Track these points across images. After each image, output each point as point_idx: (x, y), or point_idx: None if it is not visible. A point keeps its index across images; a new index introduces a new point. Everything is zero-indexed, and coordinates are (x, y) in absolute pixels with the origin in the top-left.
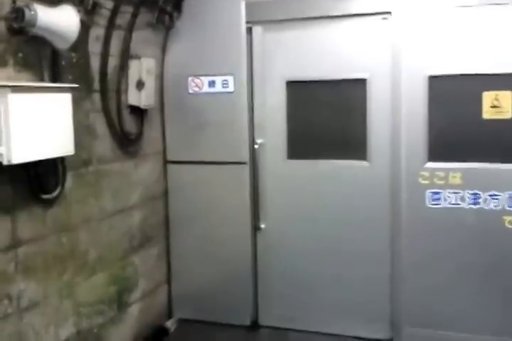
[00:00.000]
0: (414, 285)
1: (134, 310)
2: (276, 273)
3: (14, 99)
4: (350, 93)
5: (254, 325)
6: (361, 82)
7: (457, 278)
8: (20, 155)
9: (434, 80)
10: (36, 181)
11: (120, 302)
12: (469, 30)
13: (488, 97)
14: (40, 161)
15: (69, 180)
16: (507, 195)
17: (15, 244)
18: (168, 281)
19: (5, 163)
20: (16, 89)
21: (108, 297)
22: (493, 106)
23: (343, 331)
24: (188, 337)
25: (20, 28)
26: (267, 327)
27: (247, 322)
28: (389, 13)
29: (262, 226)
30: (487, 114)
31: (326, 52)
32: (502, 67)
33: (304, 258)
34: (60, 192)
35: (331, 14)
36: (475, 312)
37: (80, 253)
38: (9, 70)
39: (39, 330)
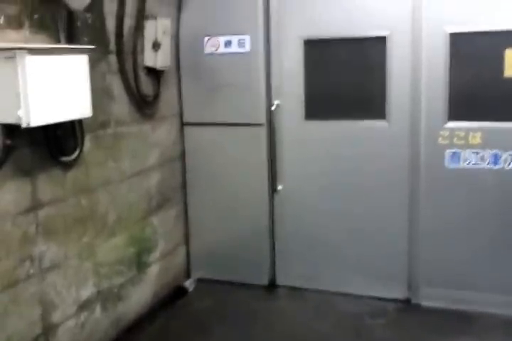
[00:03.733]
0: (432, 245)
1: (153, 271)
2: (294, 234)
3: (31, 61)
4: (370, 51)
5: (272, 285)
6: (381, 40)
7: (475, 239)
8: (38, 117)
9: (455, 37)
10: (55, 144)
11: (139, 263)
12: None
13: (510, 55)
14: (58, 124)
15: (87, 143)
16: None
17: (35, 206)
18: (187, 242)
19: (24, 125)
20: (32, 51)
21: (128, 257)
22: None
23: (361, 291)
24: (206, 297)
25: None
26: (285, 286)
27: (265, 281)
28: None
29: (279, 187)
30: (509, 72)
31: (344, 10)
32: None
33: (321, 219)
34: (79, 155)
35: None
36: (491, 272)
37: (100, 215)
38: (25, 32)
39: (61, 290)
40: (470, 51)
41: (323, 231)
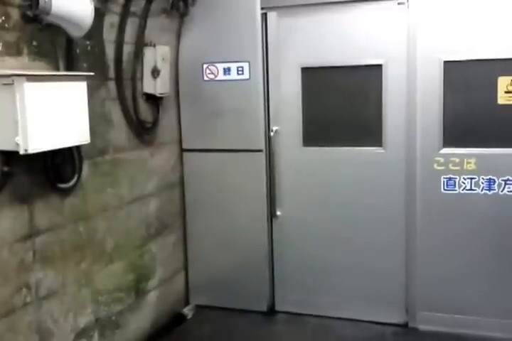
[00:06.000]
0: (429, 270)
1: (151, 298)
2: (293, 259)
3: (30, 88)
4: (366, 79)
5: (271, 311)
6: (377, 68)
7: (471, 263)
8: (36, 144)
9: (449, 65)
10: (53, 170)
11: (138, 290)
12: (484, 14)
13: (503, 82)
14: (56, 150)
15: (85, 169)
16: None
17: (32, 233)
18: (185, 268)
19: (21, 152)
20: (31, 78)
21: (126, 284)
22: (508, 92)
23: (359, 316)
24: (205, 324)
25: (35, 15)
26: (284, 312)
27: (264, 308)
28: None
29: (278, 213)
30: (502, 99)
31: (341, 38)
32: None
33: (319, 245)
34: (77, 181)
35: None
36: (488, 296)
37: (98, 242)
38: (24, 59)
39: (58, 318)
40: (464, 79)
41: (321, 256)
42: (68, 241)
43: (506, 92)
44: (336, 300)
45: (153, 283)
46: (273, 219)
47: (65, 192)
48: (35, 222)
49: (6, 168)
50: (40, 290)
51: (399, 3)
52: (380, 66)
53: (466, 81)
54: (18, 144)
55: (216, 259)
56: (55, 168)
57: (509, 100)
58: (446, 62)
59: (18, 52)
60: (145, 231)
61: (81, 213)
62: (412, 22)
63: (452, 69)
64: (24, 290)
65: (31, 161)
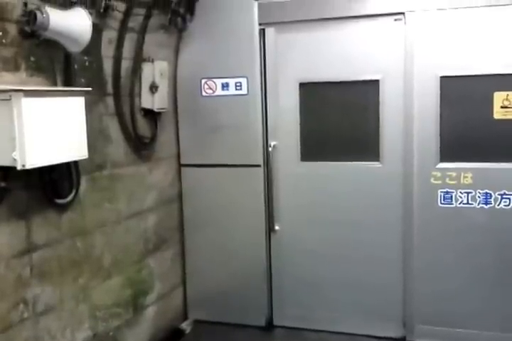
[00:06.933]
0: (426, 284)
1: (149, 313)
2: (291, 274)
3: (27, 103)
4: (363, 94)
5: (269, 326)
6: (374, 83)
7: (468, 277)
8: (33, 159)
9: (445, 81)
10: (50, 186)
11: (136, 305)
12: (480, 30)
13: (499, 97)
14: (54, 165)
15: (83, 185)
16: None
17: (30, 248)
18: (184, 283)
19: (19, 167)
20: (28, 93)
21: (124, 300)
22: (504, 107)
23: (357, 330)
24: (204, 338)
25: (32, 31)
26: (282, 327)
27: (262, 322)
28: (402, 14)
29: (277, 228)
30: (498, 114)
31: (338, 54)
32: None
33: (317, 259)
34: (75, 197)
35: (343, 15)
36: (486, 309)
37: (95, 257)
38: (21, 74)
39: (55, 334)
40: (460, 94)
41: (319, 271)
42: (66, 257)
43: (502, 107)
44: (334, 315)
45: (151, 298)
46: (271, 234)
47: (63, 208)
48: (33, 238)
49: (3, 184)
50: (38, 305)
51: (396, 20)
52: (377, 81)
53: (462, 96)
54: (15, 160)
55: (214, 274)
56: (53, 184)
57: (505, 115)
58: (442, 78)
59: (16, 68)
60: (143, 246)
61: (79, 228)
62: (409, 38)
63: (449, 84)
64: (21, 305)
65: (29, 176)
